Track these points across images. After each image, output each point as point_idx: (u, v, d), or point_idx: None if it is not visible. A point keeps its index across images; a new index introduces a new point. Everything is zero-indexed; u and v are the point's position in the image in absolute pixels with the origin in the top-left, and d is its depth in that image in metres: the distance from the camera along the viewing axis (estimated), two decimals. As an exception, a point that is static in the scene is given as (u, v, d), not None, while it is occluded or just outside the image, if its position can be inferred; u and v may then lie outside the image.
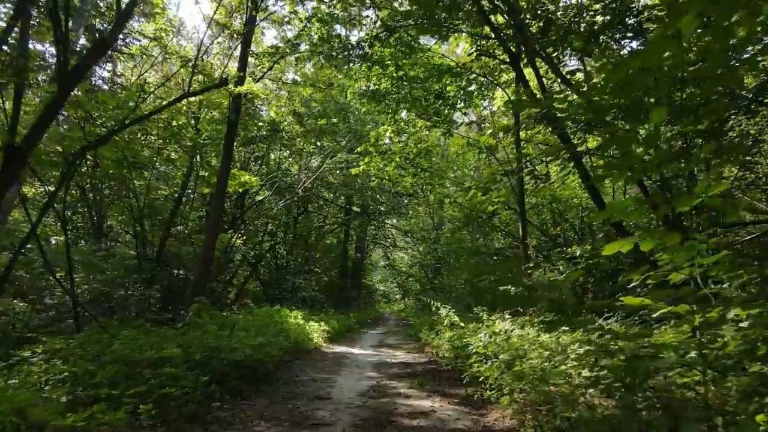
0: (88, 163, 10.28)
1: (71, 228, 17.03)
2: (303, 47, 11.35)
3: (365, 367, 8.66)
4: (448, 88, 11.52)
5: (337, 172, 18.66)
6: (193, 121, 12.52)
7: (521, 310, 9.67)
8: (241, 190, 13.39)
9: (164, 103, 11.60)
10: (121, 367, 4.96)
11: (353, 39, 14.48)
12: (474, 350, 6.66)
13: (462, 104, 12.19)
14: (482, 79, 12.10)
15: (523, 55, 8.22)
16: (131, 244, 14.77)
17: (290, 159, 17.59)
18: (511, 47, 8.17)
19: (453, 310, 10.22)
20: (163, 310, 11.98)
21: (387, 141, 12.66)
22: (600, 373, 4.43)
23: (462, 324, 9.71)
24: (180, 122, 11.29)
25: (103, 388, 4.31)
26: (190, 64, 8.51)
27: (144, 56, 12.90)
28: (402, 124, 12.37)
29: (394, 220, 25.96)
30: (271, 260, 19.88)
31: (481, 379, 5.84)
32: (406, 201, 21.56)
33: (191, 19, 45.83)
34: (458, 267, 19.44)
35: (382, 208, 21.43)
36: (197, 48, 9.81)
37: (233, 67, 12.34)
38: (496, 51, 9.79)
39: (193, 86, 8.52)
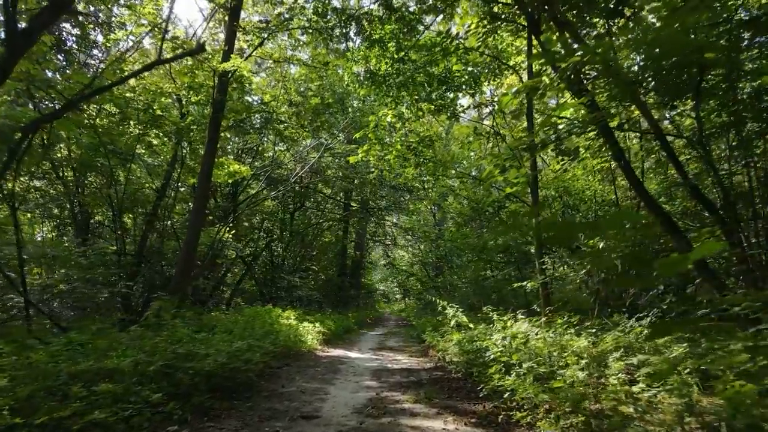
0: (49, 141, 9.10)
1: (57, 223, 15.90)
2: (297, 23, 10.18)
3: (363, 374, 7.48)
4: (454, 67, 10.36)
5: (335, 168, 17.51)
6: (177, 104, 11.36)
7: (537, 309, 8.52)
8: (230, 180, 12.24)
9: (149, 87, 10.47)
10: (46, 383, 3.77)
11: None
12: (492, 357, 5.48)
13: (467, 88, 11.03)
14: (489, 58, 10.98)
15: (543, 21, 7.08)
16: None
17: (287, 152, 16.40)
18: (530, 10, 7.02)
19: (461, 310, 9.05)
20: (145, 309, 10.82)
21: (388, 125, 11.46)
22: (673, 393, 3.28)
23: (471, 325, 8.56)
24: (162, 105, 10.13)
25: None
26: (162, 27, 7.34)
27: (131, 41, 11.78)
28: (404, 108, 11.19)
29: (395, 218, 24.77)
30: (267, 258, 18.71)
31: (505, 395, 4.65)
32: (407, 197, 20.37)
33: (187, 16, 44.82)
34: (462, 265, 18.29)
35: (383, 204, 20.20)
36: (170, 9, 8.63)
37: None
38: (509, 18, 8.63)
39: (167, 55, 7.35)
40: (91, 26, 13.78)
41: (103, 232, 14.71)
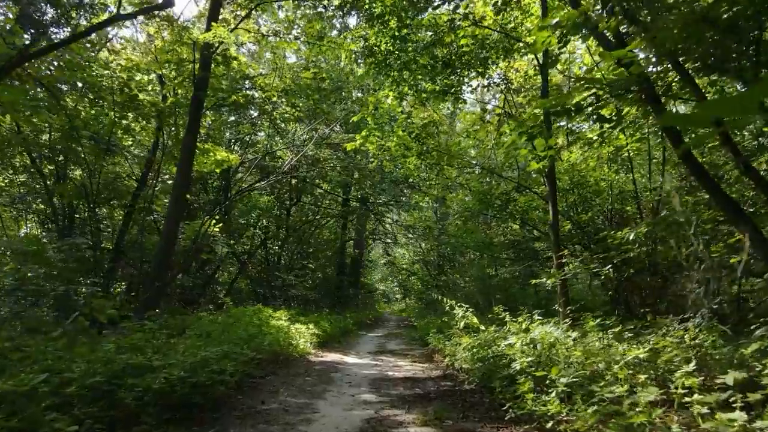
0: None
1: (41, 219, 14.73)
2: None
3: (360, 384, 6.32)
4: (461, 41, 9.25)
5: (333, 160, 16.34)
6: (159, 86, 10.22)
7: (560, 309, 7.38)
8: (218, 170, 11.09)
9: (125, 64, 9.33)
10: None
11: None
12: (519, 368, 4.32)
13: (476, 67, 9.92)
14: (499, 35, 9.92)
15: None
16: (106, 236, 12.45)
17: (280, 141, 15.22)
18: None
19: (471, 310, 7.92)
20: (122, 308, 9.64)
21: (388, 107, 10.33)
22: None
23: (482, 327, 7.44)
24: (139, 84, 9.01)
25: None
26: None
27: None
28: (406, 89, 10.06)
29: (395, 216, 23.60)
30: (262, 256, 17.56)
31: (549, 424, 3.49)
32: (408, 192, 19.17)
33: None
34: (466, 263, 17.15)
35: (382, 198, 18.96)
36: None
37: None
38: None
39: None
40: (74, 9, 12.70)
41: (90, 228, 13.57)
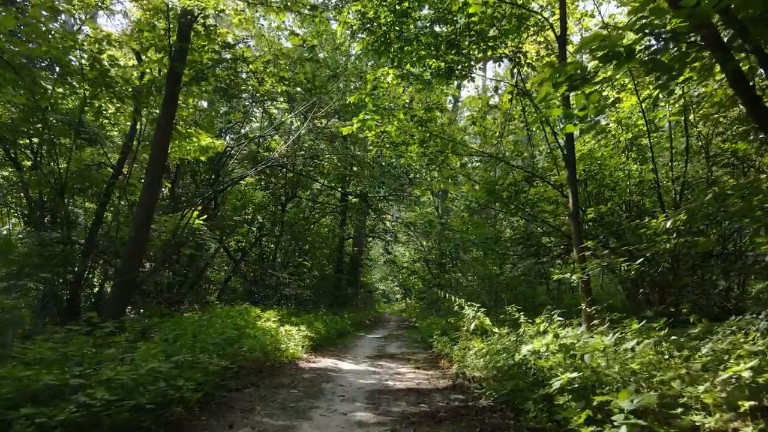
0: None
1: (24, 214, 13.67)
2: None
3: (355, 398, 5.24)
4: (471, 9, 8.21)
5: (330, 152, 15.28)
6: (138, 66, 9.15)
7: (586, 309, 6.30)
8: (203, 158, 10.01)
9: (94, 36, 8.25)
10: None
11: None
12: (560, 385, 3.24)
13: (485, 41, 8.90)
14: (511, 8, 8.91)
15: None
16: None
17: (272, 129, 14.13)
18: None
19: (482, 310, 6.85)
20: (96, 309, 8.60)
21: (388, 86, 9.28)
22: None
23: (496, 330, 6.41)
24: (113, 58, 7.95)
25: None
26: None
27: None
28: (408, 66, 9.02)
29: (395, 212, 22.50)
30: (257, 254, 16.46)
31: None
32: (408, 189, 18.05)
33: None
34: (470, 261, 16.07)
35: (382, 191, 17.78)
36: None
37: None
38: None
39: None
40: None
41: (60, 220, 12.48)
